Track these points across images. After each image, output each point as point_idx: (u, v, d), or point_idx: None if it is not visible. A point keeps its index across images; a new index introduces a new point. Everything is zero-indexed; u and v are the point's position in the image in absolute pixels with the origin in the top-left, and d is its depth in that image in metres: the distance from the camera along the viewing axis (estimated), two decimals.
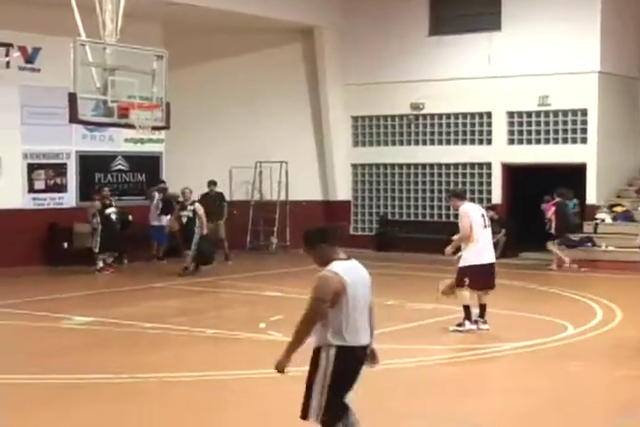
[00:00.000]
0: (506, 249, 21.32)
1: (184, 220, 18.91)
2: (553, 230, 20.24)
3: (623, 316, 13.79)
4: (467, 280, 12.21)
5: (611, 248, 20.56)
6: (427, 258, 20.94)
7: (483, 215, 12.47)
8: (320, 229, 6.63)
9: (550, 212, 20.30)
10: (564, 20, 21.68)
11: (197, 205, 19.03)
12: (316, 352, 6.29)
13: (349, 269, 6.28)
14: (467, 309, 12.34)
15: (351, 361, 6.29)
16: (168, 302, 15.52)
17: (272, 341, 11.43)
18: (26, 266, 19.32)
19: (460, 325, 12.37)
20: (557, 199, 20.42)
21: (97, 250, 19.13)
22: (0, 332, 12.82)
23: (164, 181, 21.69)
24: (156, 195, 21.08)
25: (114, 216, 19.44)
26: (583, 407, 8.75)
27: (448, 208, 23.00)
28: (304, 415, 6.27)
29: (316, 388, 6.21)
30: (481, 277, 12.29)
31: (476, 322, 12.43)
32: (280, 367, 6.28)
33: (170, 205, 20.29)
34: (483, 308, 12.44)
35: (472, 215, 12.31)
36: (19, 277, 18.19)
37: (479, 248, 12.28)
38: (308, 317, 6.19)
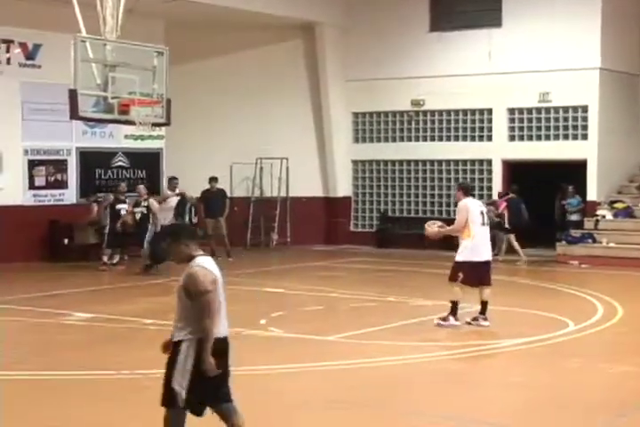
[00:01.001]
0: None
1: (138, 216, 18.82)
2: (507, 225, 20.49)
3: (624, 312, 13.78)
4: (460, 275, 12.20)
5: (611, 244, 20.58)
6: (427, 254, 20.98)
7: (482, 212, 12.44)
8: (182, 226, 6.85)
9: (502, 207, 20.60)
10: (565, 17, 21.69)
11: (151, 201, 18.84)
12: (177, 345, 6.33)
13: (213, 265, 6.43)
14: (454, 304, 12.30)
15: (219, 352, 6.32)
16: (169, 299, 15.49)
17: (273, 337, 11.41)
18: (26, 262, 19.34)
19: (444, 319, 12.32)
20: (510, 195, 20.79)
21: (105, 245, 19.11)
22: (0, 328, 12.82)
23: (175, 178, 20.65)
24: (174, 198, 20.48)
25: (123, 213, 19.40)
26: (583, 404, 8.74)
27: (448, 204, 23.04)
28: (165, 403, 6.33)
29: (176, 377, 6.23)
30: (476, 274, 12.25)
31: (475, 319, 12.44)
32: (214, 371, 6.25)
33: (184, 207, 20.04)
34: (484, 305, 12.43)
35: (471, 211, 12.30)
36: (19, 274, 18.20)
37: (475, 245, 12.25)
38: (211, 311, 6.23)
